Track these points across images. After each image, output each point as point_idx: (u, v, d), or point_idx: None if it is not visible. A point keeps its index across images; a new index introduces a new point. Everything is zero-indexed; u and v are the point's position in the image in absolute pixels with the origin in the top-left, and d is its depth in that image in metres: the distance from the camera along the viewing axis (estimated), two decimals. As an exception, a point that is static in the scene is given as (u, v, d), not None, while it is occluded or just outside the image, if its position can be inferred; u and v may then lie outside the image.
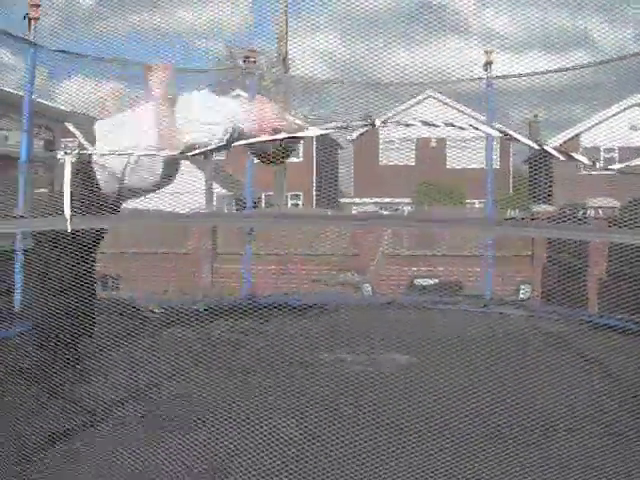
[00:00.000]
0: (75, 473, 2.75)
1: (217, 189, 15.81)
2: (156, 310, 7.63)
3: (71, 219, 2.50)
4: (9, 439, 2.81)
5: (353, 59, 7.69)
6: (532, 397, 3.62)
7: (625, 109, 23.82)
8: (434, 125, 2.04)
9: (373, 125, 2.14)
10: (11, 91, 8.80)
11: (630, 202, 9.11)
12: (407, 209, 22.55)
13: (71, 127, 4.19)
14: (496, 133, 2.17)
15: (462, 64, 7.78)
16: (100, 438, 3.13)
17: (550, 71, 7.70)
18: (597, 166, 2.04)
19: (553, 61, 7.85)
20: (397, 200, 23.31)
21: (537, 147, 1.99)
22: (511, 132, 2.06)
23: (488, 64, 7.62)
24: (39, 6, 6.78)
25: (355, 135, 28.70)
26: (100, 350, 3.93)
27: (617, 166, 2.06)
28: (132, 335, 4.08)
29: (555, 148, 2.03)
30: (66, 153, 2.56)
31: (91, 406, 3.43)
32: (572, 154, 2.00)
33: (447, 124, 2.01)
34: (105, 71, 8.16)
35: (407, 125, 2.11)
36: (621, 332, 5.68)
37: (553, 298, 11.10)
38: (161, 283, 11.72)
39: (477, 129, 2.04)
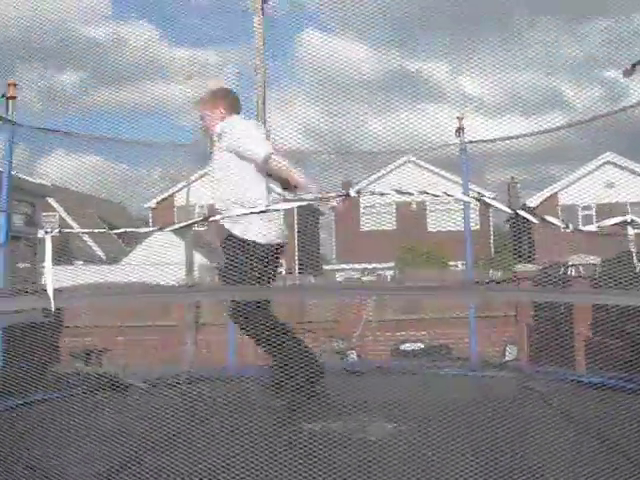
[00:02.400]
0: None
1: (198, 259, 15.81)
2: (141, 385, 7.52)
3: (54, 297, 2.49)
4: None
5: (332, 129, 7.81)
6: (526, 462, 3.57)
7: (599, 167, 24.32)
8: (408, 194, 2.06)
9: (348, 195, 2.16)
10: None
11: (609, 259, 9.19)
12: (389, 274, 22.57)
13: (52, 202, 4.33)
14: (470, 200, 2.19)
15: (439, 130, 7.92)
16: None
17: (525, 135, 7.86)
18: (570, 228, 2.06)
19: (529, 123, 8.02)
20: (379, 265, 23.36)
21: (510, 212, 2.02)
22: (485, 199, 2.08)
23: (460, 129, 7.75)
24: (16, 85, 6.91)
25: (336, 202, 28.89)
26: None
27: (589, 227, 2.09)
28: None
29: (528, 211, 2.05)
30: (47, 232, 2.56)
31: None
32: (545, 217, 2.02)
33: (421, 192, 2.03)
34: (84, 146, 8.23)
35: (382, 194, 2.13)
36: (611, 390, 5.65)
37: (540, 358, 11.05)
38: (145, 356, 11.58)
39: (451, 196, 2.06)
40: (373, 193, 2.22)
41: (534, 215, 2.02)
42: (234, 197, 4.58)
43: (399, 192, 2.08)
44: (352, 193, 2.16)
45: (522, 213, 1.99)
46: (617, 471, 3.61)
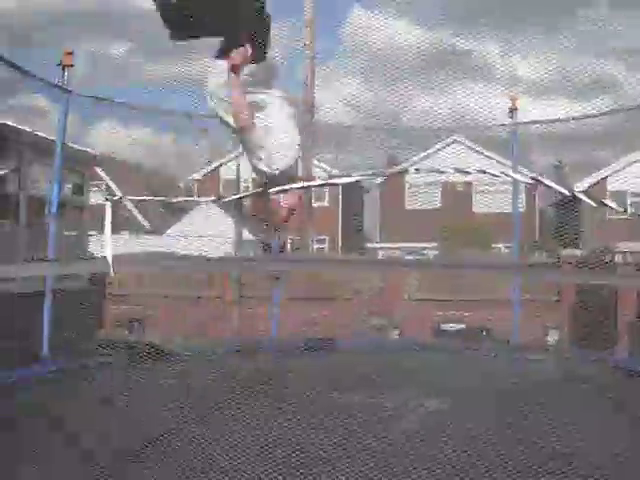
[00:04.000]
0: None
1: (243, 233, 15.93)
2: (184, 354, 7.65)
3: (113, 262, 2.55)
4: None
5: (379, 105, 7.79)
6: (562, 444, 3.57)
7: (651, 153, 23.73)
8: (466, 172, 2.06)
9: (405, 171, 2.15)
10: (44, 136, 9.02)
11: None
12: (433, 253, 22.46)
13: (100, 171, 4.42)
14: (527, 180, 2.19)
15: (488, 109, 7.84)
16: None
17: (574, 118, 7.75)
18: (628, 212, 2.04)
19: (577, 107, 7.92)
20: (423, 245, 23.23)
21: (568, 193, 2.01)
22: (543, 179, 2.07)
23: (513, 110, 7.62)
24: (72, 54, 6.98)
25: (381, 179, 28.74)
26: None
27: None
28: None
29: (586, 194, 2.04)
30: (107, 199, 2.62)
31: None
32: (604, 200, 2.01)
33: (479, 171, 2.02)
34: (135, 117, 8.33)
35: (440, 172, 2.13)
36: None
37: (582, 342, 10.94)
38: (187, 327, 11.72)
39: (509, 176, 2.05)
40: (431, 171, 2.22)
41: (591, 198, 2.01)
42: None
43: (458, 170, 2.08)
44: (411, 170, 2.16)
45: (580, 195, 1.98)
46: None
